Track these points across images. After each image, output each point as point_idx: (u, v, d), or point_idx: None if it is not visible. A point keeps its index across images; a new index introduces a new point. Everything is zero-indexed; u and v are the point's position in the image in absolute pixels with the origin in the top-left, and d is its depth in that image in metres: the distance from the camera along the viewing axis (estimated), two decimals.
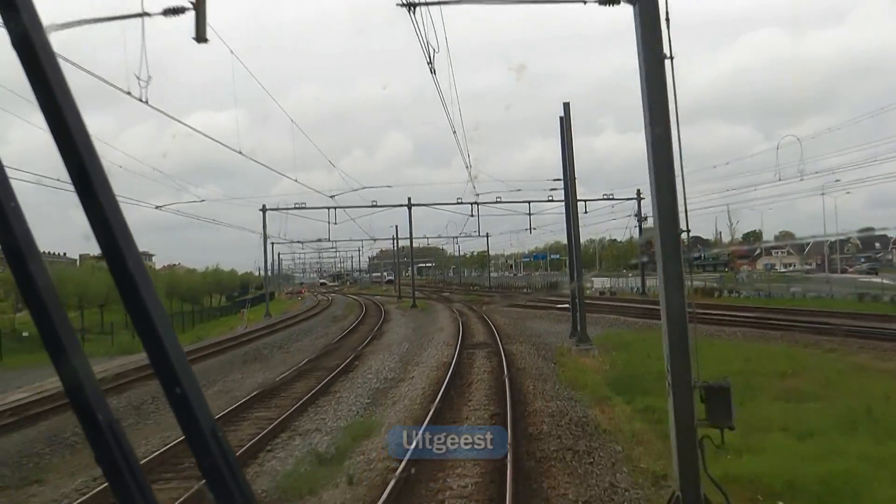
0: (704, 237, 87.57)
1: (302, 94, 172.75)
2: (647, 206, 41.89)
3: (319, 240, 44.43)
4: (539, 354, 17.92)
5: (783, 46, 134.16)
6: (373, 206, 39.05)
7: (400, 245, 57.03)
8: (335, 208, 39.26)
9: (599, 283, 55.76)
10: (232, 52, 15.14)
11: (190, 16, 9.19)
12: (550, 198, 38.36)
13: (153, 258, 77.36)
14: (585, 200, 38.90)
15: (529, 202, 40.75)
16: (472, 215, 40.12)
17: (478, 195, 40.06)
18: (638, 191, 42.42)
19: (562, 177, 21.94)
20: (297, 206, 39.07)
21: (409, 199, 43.44)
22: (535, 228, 43.25)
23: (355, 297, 59.22)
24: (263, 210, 40.96)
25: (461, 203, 39.06)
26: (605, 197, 41.45)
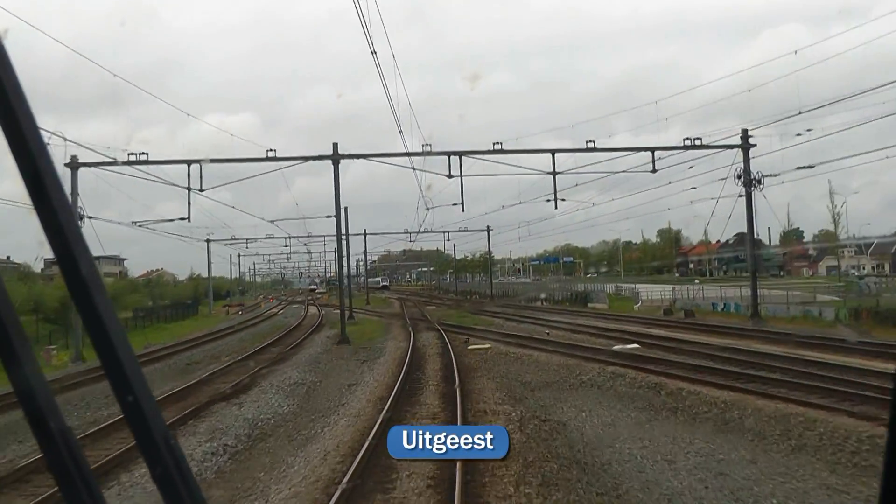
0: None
1: (315, 96, 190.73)
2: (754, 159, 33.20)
3: (181, 218, 32.41)
4: None
5: (805, 43, 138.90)
6: (270, 160, 30.86)
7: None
8: (199, 162, 30.66)
9: (648, 291, 50.66)
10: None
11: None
12: None
13: (125, 262, 78.29)
14: (654, 149, 31.47)
15: (553, 151, 31.93)
16: (450, 175, 31.55)
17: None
18: (745, 132, 32.38)
19: None
20: (132, 157, 29.13)
21: (335, 144, 31.88)
22: (562, 200, 33.83)
23: (312, 310, 59.10)
24: (73, 166, 30.04)
25: (432, 153, 30.73)
26: (687, 144, 31.31)
